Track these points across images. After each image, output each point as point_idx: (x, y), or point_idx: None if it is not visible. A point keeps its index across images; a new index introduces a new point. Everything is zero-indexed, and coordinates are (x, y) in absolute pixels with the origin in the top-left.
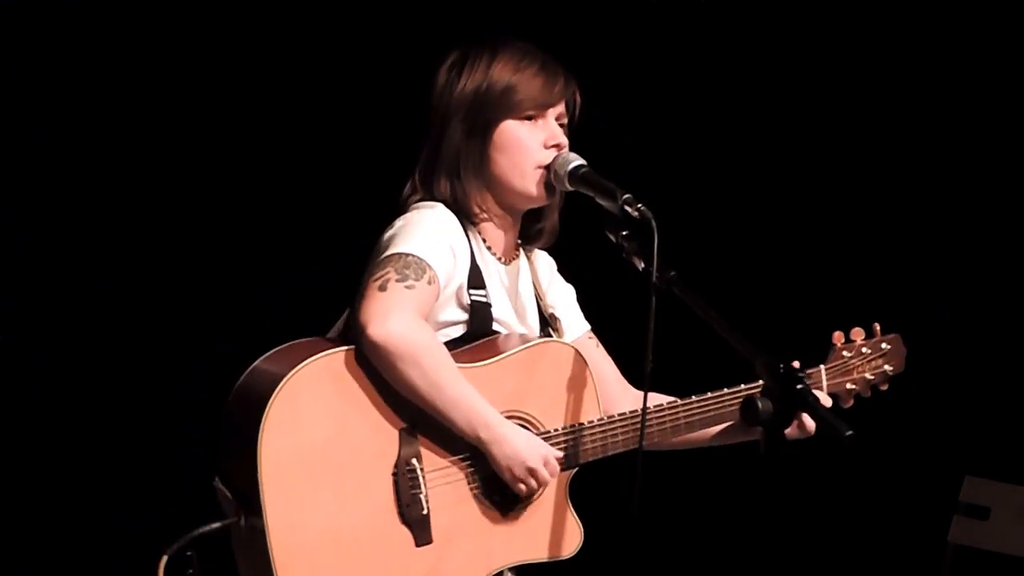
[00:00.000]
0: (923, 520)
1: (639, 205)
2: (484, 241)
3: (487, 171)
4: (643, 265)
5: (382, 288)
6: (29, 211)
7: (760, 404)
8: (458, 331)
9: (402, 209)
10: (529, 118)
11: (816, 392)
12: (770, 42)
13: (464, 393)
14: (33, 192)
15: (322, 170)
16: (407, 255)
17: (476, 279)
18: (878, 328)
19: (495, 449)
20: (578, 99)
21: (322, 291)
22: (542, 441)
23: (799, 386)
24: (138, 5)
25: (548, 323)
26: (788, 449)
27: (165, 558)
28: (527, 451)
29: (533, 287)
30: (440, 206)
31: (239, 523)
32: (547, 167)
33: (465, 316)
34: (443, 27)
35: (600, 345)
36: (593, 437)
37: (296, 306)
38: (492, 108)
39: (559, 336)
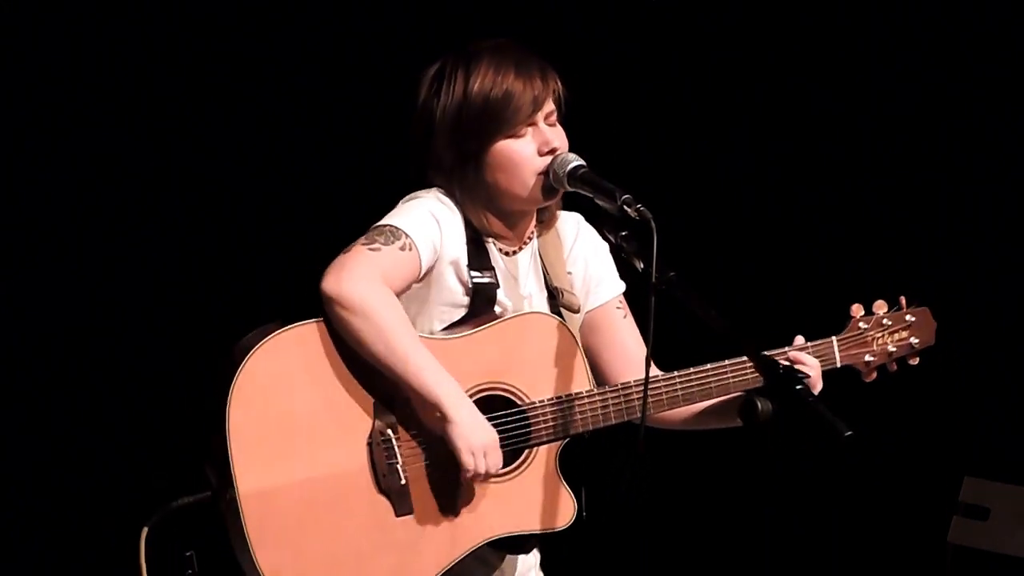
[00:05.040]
0: (923, 520)
1: (638, 205)
2: (488, 238)
3: (486, 190)
4: (642, 266)
5: (346, 251)
6: (27, 209)
7: (759, 404)
8: (460, 314)
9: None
10: (518, 132)
11: (805, 356)
12: (771, 42)
13: (416, 352)
14: (31, 191)
15: (332, 163)
16: (383, 226)
17: (480, 261)
18: (903, 300)
19: (444, 426)
20: (561, 88)
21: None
22: (490, 429)
23: (798, 386)
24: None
25: (554, 296)
26: (788, 448)
27: (145, 530)
28: (470, 436)
29: (541, 263)
30: (438, 190)
31: (223, 497)
32: (546, 171)
33: (467, 299)
34: (434, 24)
35: (628, 315)
36: (582, 409)
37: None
38: (478, 132)
39: (568, 308)
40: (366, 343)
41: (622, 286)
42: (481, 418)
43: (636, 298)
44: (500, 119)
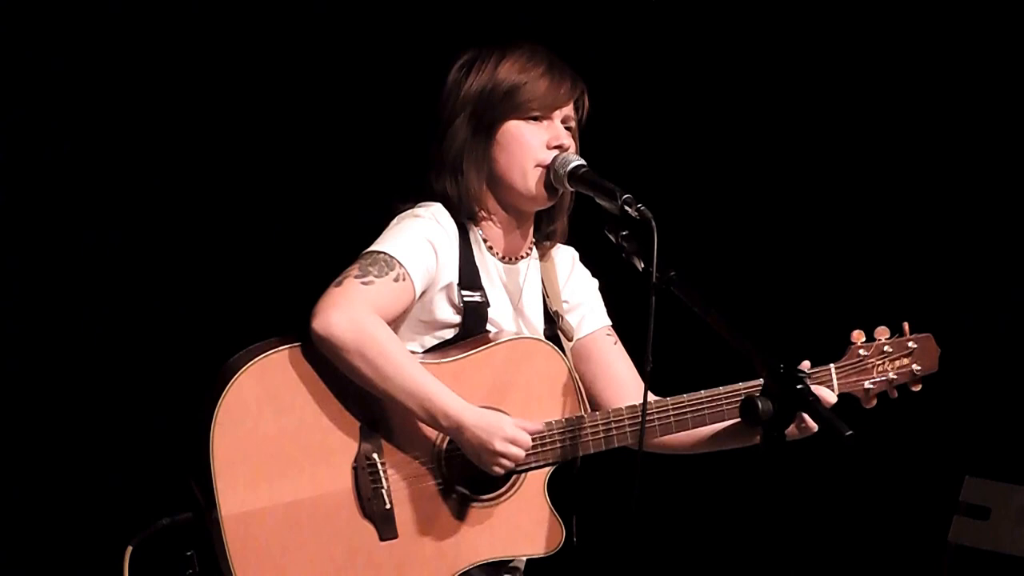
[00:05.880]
0: (923, 520)
1: (639, 205)
2: (485, 241)
3: (489, 169)
4: (643, 265)
5: (338, 284)
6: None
7: (760, 404)
8: (452, 333)
9: (403, 206)
10: (534, 119)
11: (823, 389)
12: (771, 41)
13: (418, 380)
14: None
15: (325, 170)
16: (377, 253)
17: (470, 280)
18: (907, 327)
19: (458, 436)
20: (586, 102)
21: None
22: (504, 418)
23: (799, 386)
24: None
25: (552, 320)
26: (788, 448)
27: (130, 549)
28: (489, 435)
29: (541, 284)
30: (436, 206)
31: (208, 516)
32: (547, 167)
33: (458, 318)
34: (452, 28)
35: (618, 343)
36: (573, 435)
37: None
38: (497, 107)
39: (565, 334)
40: (364, 378)
41: (607, 320)
42: (490, 413)
43: (636, 298)
44: (518, 100)
